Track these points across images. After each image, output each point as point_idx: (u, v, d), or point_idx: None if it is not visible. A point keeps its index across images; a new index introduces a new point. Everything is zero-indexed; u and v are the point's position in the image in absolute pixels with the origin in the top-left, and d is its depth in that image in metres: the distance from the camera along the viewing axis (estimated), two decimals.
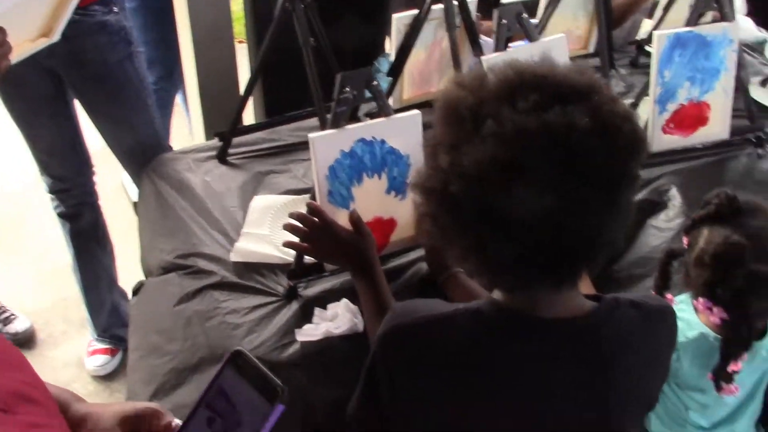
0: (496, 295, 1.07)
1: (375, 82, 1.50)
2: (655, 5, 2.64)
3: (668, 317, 1.15)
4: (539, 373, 1.04)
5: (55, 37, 1.43)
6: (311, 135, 1.45)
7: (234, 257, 1.68)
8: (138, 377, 1.61)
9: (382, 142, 1.50)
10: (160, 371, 1.56)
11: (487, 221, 0.94)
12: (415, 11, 1.95)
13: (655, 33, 1.89)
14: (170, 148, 2.32)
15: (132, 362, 1.67)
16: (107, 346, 2.63)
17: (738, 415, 1.49)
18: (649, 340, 1.11)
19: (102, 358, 2.62)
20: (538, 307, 1.03)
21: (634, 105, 2.22)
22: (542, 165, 0.91)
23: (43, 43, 1.43)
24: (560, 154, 0.91)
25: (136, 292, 1.72)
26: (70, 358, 2.67)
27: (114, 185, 3.25)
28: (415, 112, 1.53)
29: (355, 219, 1.46)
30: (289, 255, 1.61)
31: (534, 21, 2.19)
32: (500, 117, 0.92)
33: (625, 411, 1.11)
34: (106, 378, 2.60)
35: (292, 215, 1.46)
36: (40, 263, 3.06)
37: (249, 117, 2.95)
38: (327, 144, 1.45)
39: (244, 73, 2.69)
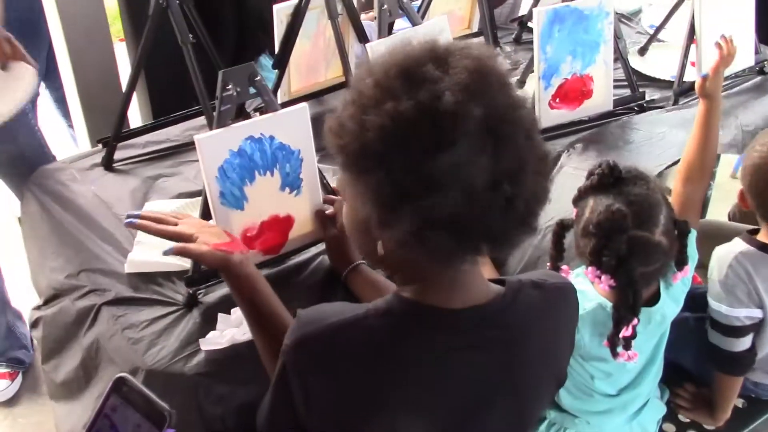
0: (404, 291, 1.05)
1: (258, 77, 1.46)
2: None
3: (569, 294, 1.17)
4: (453, 364, 1.03)
5: None
6: (197, 136, 1.40)
7: (128, 268, 1.62)
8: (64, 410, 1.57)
9: (271, 138, 1.46)
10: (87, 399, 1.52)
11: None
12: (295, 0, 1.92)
13: (535, 9, 1.92)
14: (54, 158, 2.21)
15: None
16: (6, 371, 2.51)
17: (641, 379, 1.54)
18: (552, 319, 1.13)
19: (2, 383, 2.49)
20: (446, 298, 1.03)
21: (521, 82, 2.26)
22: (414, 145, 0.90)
23: None
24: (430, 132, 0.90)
25: (34, 325, 1.64)
26: None
27: None
28: (303, 105, 1.50)
29: (169, 233, 1.32)
30: (186, 261, 1.56)
31: (416, 3, 2.20)
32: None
33: (537, 391, 1.14)
34: (8, 403, 2.47)
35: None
36: None
37: (136, 119, 2.86)
38: (214, 144, 1.41)
39: (127, 74, 2.59)
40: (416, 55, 0.95)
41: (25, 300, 1.74)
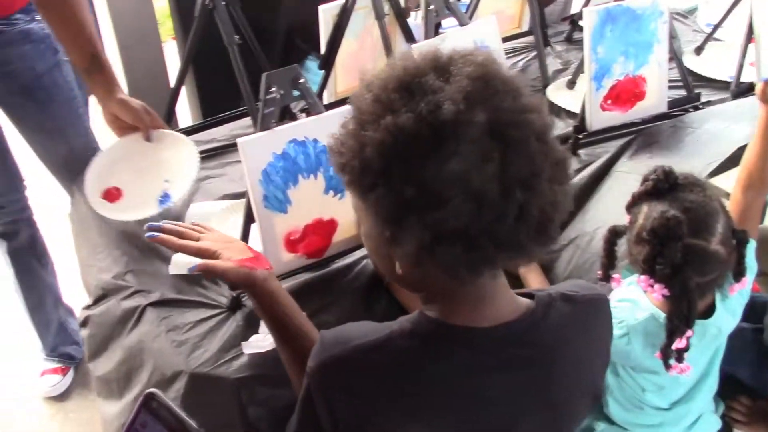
0: (429, 311, 1.02)
1: (302, 80, 1.45)
2: None
3: (602, 306, 1.13)
4: (484, 384, 1.00)
5: None
6: (240, 139, 1.40)
7: (173, 270, 1.63)
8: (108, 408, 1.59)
9: (315, 141, 1.45)
10: (128, 399, 1.52)
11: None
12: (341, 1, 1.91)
13: (585, 9, 1.87)
14: None
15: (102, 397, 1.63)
16: (58, 365, 2.56)
17: (695, 393, 1.49)
18: (585, 333, 1.09)
19: (53, 378, 2.54)
20: (472, 316, 1.00)
21: (572, 82, 2.21)
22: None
23: None
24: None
25: (83, 324, 1.66)
26: (21, 380, 2.59)
27: (47, 197, 3.15)
28: (346, 107, 1.48)
29: (192, 250, 1.27)
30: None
31: (464, 3, 2.18)
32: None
33: (572, 407, 1.10)
34: (60, 398, 2.52)
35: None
36: None
37: (186, 119, 2.89)
38: (257, 147, 1.40)
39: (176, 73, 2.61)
40: (416, 67, 0.93)
41: (77, 297, 1.75)
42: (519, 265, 1.05)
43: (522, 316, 1.02)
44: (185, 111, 2.87)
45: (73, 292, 2.39)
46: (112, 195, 1.74)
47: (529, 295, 1.05)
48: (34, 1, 1.83)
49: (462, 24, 1.81)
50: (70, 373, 2.55)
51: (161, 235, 1.26)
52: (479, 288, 0.99)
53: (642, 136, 1.97)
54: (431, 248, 0.89)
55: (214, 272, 1.24)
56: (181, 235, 1.28)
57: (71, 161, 2.11)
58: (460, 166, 0.86)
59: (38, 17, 2.00)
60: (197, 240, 1.28)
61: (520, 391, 1.02)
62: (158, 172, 1.75)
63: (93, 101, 3.11)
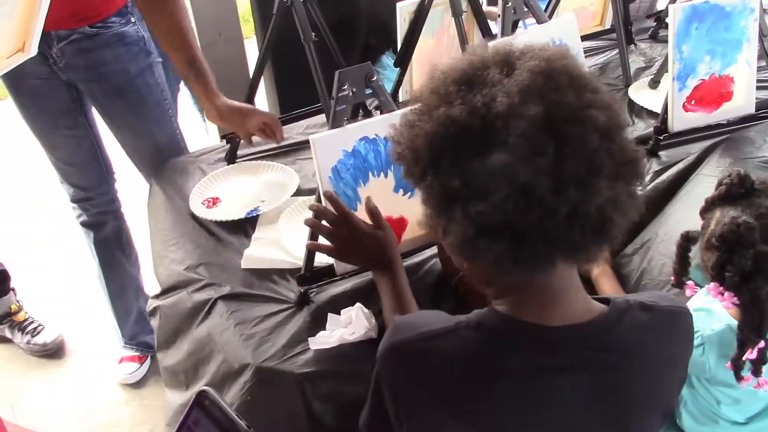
0: (499, 305, 1.01)
1: (374, 78, 1.44)
2: None
3: (683, 319, 1.08)
4: (548, 384, 0.98)
5: (32, 51, 1.41)
6: (312, 136, 1.40)
7: (245, 264, 1.65)
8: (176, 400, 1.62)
9: (386, 139, 1.45)
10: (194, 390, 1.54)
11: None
12: None
13: (671, 6, 1.81)
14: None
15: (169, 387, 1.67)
16: (135, 354, 2.63)
17: None
18: (661, 345, 1.05)
19: (131, 366, 2.62)
20: (541, 314, 0.98)
21: (655, 81, 2.15)
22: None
23: (20, 58, 1.41)
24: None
25: (152, 314, 1.69)
26: (99, 367, 2.67)
27: (137, 191, 3.24)
28: (418, 105, 1.47)
29: (371, 208, 1.40)
30: (300, 259, 1.57)
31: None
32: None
33: (639, 422, 1.06)
34: (136, 386, 2.59)
35: (311, 207, 1.41)
36: (67, 271, 3.08)
37: None
38: (328, 144, 1.41)
39: None
40: (481, 61, 0.93)
41: (156, 288, 1.80)
42: (581, 265, 1.02)
43: (595, 320, 1.00)
44: (263, 107, 2.91)
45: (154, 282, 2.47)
46: (209, 202, 1.87)
47: (605, 301, 1.02)
48: (139, 8, 1.90)
49: (540, 21, 1.77)
50: (147, 362, 2.62)
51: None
52: (549, 286, 0.98)
53: (730, 139, 1.89)
54: (474, 240, 0.89)
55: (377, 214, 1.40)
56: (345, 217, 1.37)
57: (157, 159, 2.17)
58: (507, 159, 0.86)
59: (133, 20, 2.05)
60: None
61: (585, 396, 0.99)
62: (260, 192, 1.89)
63: (182, 97, 3.23)
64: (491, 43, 0.98)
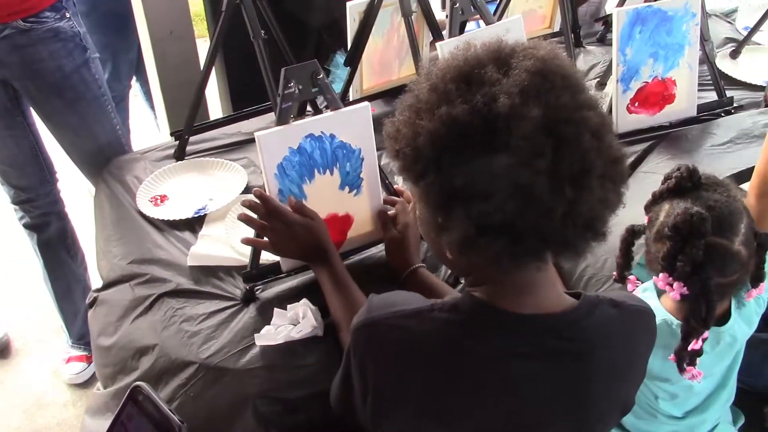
0: (473, 291, 1.04)
1: (320, 76, 1.45)
2: None
3: (648, 319, 1.12)
4: (516, 370, 1.00)
5: None
6: (257, 133, 1.40)
7: (191, 261, 1.64)
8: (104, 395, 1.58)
9: (332, 136, 1.45)
10: (124, 383, 1.51)
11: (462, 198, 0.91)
12: None
13: (615, 9, 1.84)
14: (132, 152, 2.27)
15: (100, 379, 1.63)
16: (83, 353, 2.60)
17: (710, 403, 1.45)
18: (627, 341, 1.08)
19: (78, 366, 2.58)
20: (514, 302, 1.00)
21: (601, 84, 2.18)
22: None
23: None
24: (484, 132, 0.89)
25: (91, 305, 1.67)
26: (46, 367, 2.64)
27: (81, 190, 3.20)
28: (365, 104, 1.49)
29: (294, 203, 1.44)
30: (246, 257, 1.56)
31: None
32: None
33: (600, 414, 1.08)
34: (83, 386, 2.56)
35: (243, 204, 1.43)
36: (13, 271, 3.02)
37: (216, 112, 2.91)
38: (274, 142, 1.41)
39: None
40: (477, 58, 0.94)
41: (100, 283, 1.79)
42: (570, 260, 1.05)
43: (565, 310, 1.02)
44: (215, 104, 2.90)
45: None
46: (156, 199, 1.86)
47: (577, 295, 1.05)
48: None
49: (488, 23, 1.79)
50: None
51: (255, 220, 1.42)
52: (525, 276, 1.00)
53: (668, 137, 1.93)
54: (475, 239, 0.91)
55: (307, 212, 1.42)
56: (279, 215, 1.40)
57: (98, 157, 2.14)
58: (510, 161, 0.87)
59: (68, 15, 2.02)
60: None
61: (550, 384, 1.02)
62: (208, 189, 1.89)
63: (133, 100, 3.19)
64: (482, 39, 0.98)
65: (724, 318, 1.38)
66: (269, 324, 1.48)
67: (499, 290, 1.01)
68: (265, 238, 1.46)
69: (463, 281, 1.32)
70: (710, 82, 2.07)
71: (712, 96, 2.07)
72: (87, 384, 2.56)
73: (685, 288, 1.29)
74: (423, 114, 0.92)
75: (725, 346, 1.39)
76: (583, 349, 1.02)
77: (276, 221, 1.42)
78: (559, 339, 1.01)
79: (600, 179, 0.91)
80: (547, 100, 0.89)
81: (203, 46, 2.80)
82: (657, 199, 1.38)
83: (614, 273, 1.46)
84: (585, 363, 1.03)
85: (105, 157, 2.13)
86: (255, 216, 1.43)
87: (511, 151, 0.87)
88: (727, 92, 2.08)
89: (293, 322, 1.48)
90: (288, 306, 1.50)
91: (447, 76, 0.93)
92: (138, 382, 0.79)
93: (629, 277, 1.44)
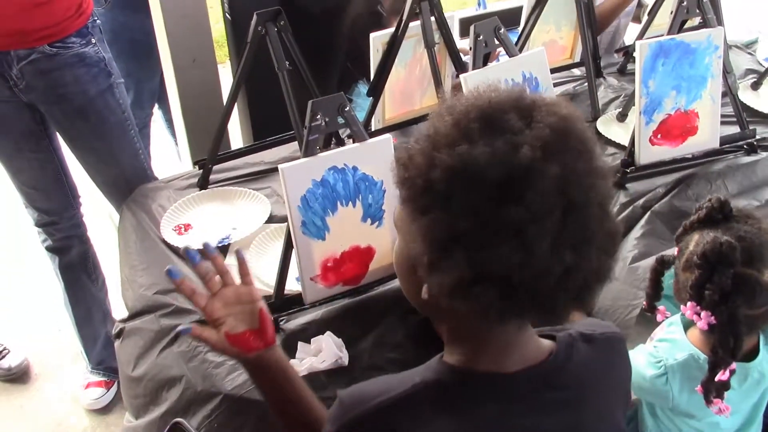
0: (451, 355, 1.00)
1: (347, 108, 1.46)
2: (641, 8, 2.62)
3: (619, 344, 1.11)
4: (517, 430, 0.98)
5: None
6: (281, 165, 1.41)
7: None
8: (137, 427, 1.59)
9: (355, 168, 1.46)
10: (155, 414, 1.53)
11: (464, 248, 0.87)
12: (392, 29, 1.93)
13: (638, 42, 1.85)
14: (155, 178, 2.28)
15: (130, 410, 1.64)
16: (102, 379, 2.60)
17: None
18: (607, 373, 1.07)
19: (97, 391, 2.58)
20: (499, 360, 0.97)
21: (623, 115, 2.18)
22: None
23: None
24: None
25: (118, 335, 1.68)
26: (65, 392, 2.64)
27: (104, 215, 3.22)
28: (387, 136, 1.50)
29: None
30: (271, 287, 1.57)
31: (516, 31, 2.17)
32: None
33: None
34: (102, 411, 2.56)
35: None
36: (33, 295, 3.04)
37: (237, 140, 2.93)
38: (298, 173, 1.42)
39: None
40: (501, 102, 0.91)
41: (124, 312, 1.79)
42: (548, 323, 1.04)
43: (547, 359, 1.00)
44: (236, 133, 2.92)
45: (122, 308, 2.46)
46: (180, 228, 1.87)
47: (548, 335, 1.03)
48: None
49: (511, 55, 1.80)
50: (114, 387, 2.59)
51: (179, 280, 1.18)
52: (508, 334, 0.97)
53: (688, 174, 1.94)
54: (469, 286, 0.88)
55: (205, 343, 1.19)
56: (192, 293, 1.19)
57: (121, 182, 2.16)
58: (522, 214, 0.84)
59: (93, 41, 2.05)
60: (217, 290, 1.20)
61: None
62: (232, 219, 1.88)
63: (155, 126, 3.22)
64: (504, 85, 0.96)
65: (753, 354, 1.38)
66: (292, 354, 1.49)
67: (480, 350, 0.98)
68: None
69: None
70: (732, 114, 2.07)
71: (734, 128, 2.07)
72: (106, 410, 2.55)
73: (712, 317, 1.29)
74: (441, 148, 0.89)
75: (753, 383, 1.38)
76: (571, 394, 1.01)
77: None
78: (552, 390, 0.99)
79: (598, 250, 0.90)
80: (566, 160, 0.87)
81: (222, 72, 2.83)
82: (687, 230, 1.39)
83: (644, 303, 1.47)
84: (577, 407, 1.01)
85: (127, 181, 2.15)
86: None
87: (525, 205, 0.84)
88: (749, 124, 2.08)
89: (316, 354, 1.48)
90: (312, 340, 1.50)
91: (471, 115, 0.90)
92: (178, 419, 0.79)
93: (659, 307, 1.44)
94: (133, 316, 1.66)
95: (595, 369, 1.04)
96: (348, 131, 1.92)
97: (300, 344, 1.50)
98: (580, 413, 1.01)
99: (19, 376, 2.69)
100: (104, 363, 2.58)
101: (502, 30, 1.77)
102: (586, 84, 2.29)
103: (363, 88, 2.52)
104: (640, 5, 2.92)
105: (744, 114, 2.08)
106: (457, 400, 0.97)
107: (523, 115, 0.90)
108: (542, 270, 0.86)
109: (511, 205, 0.85)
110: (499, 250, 0.85)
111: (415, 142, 0.94)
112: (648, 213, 1.82)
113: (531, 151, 0.85)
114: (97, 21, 2.11)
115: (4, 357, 2.70)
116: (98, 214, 2.91)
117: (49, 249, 2.37)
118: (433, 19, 1.92)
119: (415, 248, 0.93)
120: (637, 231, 1.77)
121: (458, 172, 0.87)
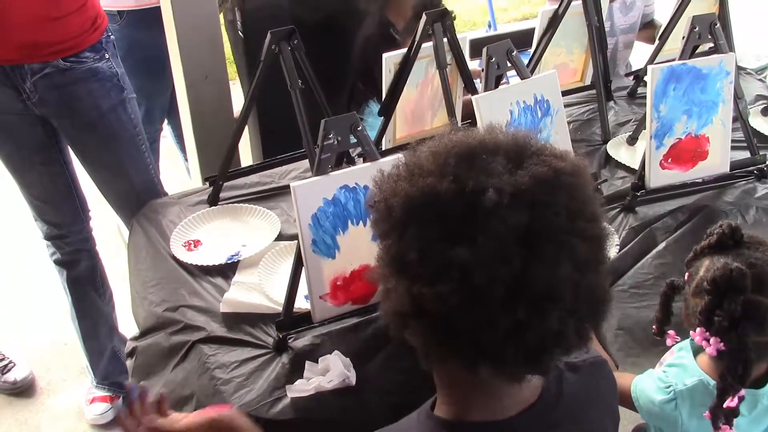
0: (443, 407, 0.99)
1: (360, 128, 1.47)
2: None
3: (603, 369, 1.12)
4: None
5: None
6: (293, 183, 1.42)
7: (224, 308, 1.64)
8: None
9: (366, 187, 1.46)
10: None
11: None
12: (404, 50, 1.94)
13: (650, 67, 1.85)
14: (165, 194, 2.29)
15: None
16: (107, 394, 2.60)
17: None
18: (596, 400, 1.08)
19: (102, 406, 2.58)
20: (493, 408, 0.96)
21: (633, 138, 2.19)
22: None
23: None
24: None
25: (130, 354, 1.68)
26: (69, 406, 2.64)
27: (112, 229, 3.23)
28: (398, 156, 1.49)
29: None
30: (279, 305, 1.57)
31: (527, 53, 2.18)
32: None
33: None
34: (106, 426, 2.56)
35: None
36: (39, 309, 3.04)
37: (248, 158, 2.94)
38: (308, 192, 1.42)
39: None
40: (496, 144, 0.90)
41: (131, 327, 1.79)
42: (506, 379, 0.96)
43: (540, 398, 0.98)
44: (246, 150, 2.93)
45: (132, 322, 2.46)
46: (190, 244, 1.86)
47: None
48: None
49: (523, 77, 1.80)
50: (119, 402, 2.58)
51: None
52: (493, 378, 0.92)
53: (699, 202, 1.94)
54: (407, 318, 0.88)
55: None
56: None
57: (131, 197, 2.18)
58: (468, 256, 0.82)
59: (107, 56, 2.07)
60: None
61: None
62: (241, 236, 1.88)
63: (164, 143, 3.23)
64: (515, 129, 0.95)
65: (762, 381, 1.37)
66: (300, 373, 1.49)
67: (470, 398, 0.96)
68: None
69: None
70: (743, 139, 2.08)
71: (744, 153, 2.07)
72: (110, 425, 2.55)
73: (722, 344, 1.28)
74: (410, 177, 0.89)
75: (762, 410, 1.38)
76: (570, 428, 1.01)
77: None
78: (547, 428, 0.99)
79: (566, 313, 0.85)
80: (539, 213, 0.83)
81: (232, 88, 2.85)
82: (698, 255, 1.39)
83: (654, 327, 1.46)
84: None
85: (137, 195, 2.16)
86: None
87: (475, 249, 0.82)
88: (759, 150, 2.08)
89: (323, 374, 1.48)
90: (319, 359, 1.50)
91: (453, 150, 0.89)
92: None
93: (668, 332, 1.44)
94: (144, 333, 1.67)
95: (584, 398, 1.04)
96: (358, 150, 1.95)
97: (307, 363, 1.50)
98: None
99: (24, 390, 2.69)
100: (109, 378, 2.57)
101: (515, 52, 1.78)
102: (596, 106, 2.30)
103: (375, 107, 2.52)
104: (653, 25, 2.94)
105: (754, 139, 2.08)
106: None
107: (511, 159, 0.88)
108: (488, 319, 0.83)
109: (461, 246, 0.82)
110: (440, 290, 0.83)
111: (394, 167, 0.94)
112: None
113: (497, 196, 0.83)
114: (111, 36, 2.13)
115: (9, 370, 2.70)
116: (106, 228, 2.92)
117: (57, 262, 2.38)
118: (445, 40, 1.93)
119: (377, 276, 0.94)
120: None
121: (416, 203, 0.86)
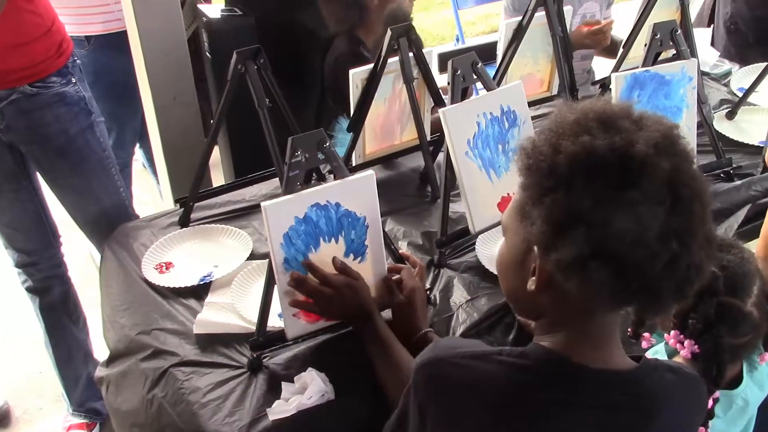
0: (542, 341, 1.08)
1: (327, 144, 1.47)
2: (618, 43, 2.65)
3: (699, 387, 1.15)
4: (579, 422, 1.04)
5: None
6: (263, 203, 1.41)
7: (197, 329, 1.63)
8: None
9: (337, 205, 1.46)
10: None
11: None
12: (371, 65, 1.94)
13: (613, 75, 1.87)
14: (136, 217, 2.28)
15: None
16: (83, 421, 2.58)
17: None
18: (682, 407, 1.12)
19: None
20: (587, 355, 1.05)
21: None
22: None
23: None
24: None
25: (99, 383, 1.67)
26: None
27: (84, 254, 3.21)
28: (369, 172, 1.50)
29: (339, 265, 1.49)
30: (253, 324, 1.56)
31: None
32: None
33: None
34: None
35: (290, 284, 1.46)
36: (13, 337, 3.00)
37: (219, 178, 2.93)
38: (279, 211, 1.41)
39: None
40: (613, 110, 1.01)
41: (106, 353, 1.78)
42: (652, 317, 1.19)
43: (629, 370, 1.07)
44: (218, 170, 2.93)
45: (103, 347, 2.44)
46: (162, 267, 1.85)
47: (635, 359, 1.10)
48: None
49: (489, 89, 1.82)
50: (96, 429, 2.57)
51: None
52: (601, 329, 1.06)
53: None
54: (587, 261, 0.95)
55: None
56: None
57: (102, 221, 2.16)
58: (637, 199, 0.94)
59: (74, 80, 2.06)
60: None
61: None
62: (213, 256, 1.88)
63: (136, 166, 3.22)
64: (613, 100, 1.07)
65: (736, 381, 1.38)
66: (276, 393, 1.47)
67: (571, 341, 1.06)
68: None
69: None
70: (708, 143, 2.10)
71: (711, 157, 2.10)
72: None
73: (696, 347, 1.30)
74: (565, 138, 0.99)
75: (737, 410, 1.39)
76: (647, 407, 1.06)
77: (326, 288, 1.46)
78: (624, 395, 1.05)
79: (698, 247, 0.98)
80: (675, 161, 0.97)
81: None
82: None
83: (629, 330, 1.47)
84: (647, 421, 1.06)
85: (109, 219, 2.14)
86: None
87: (640, 191, 0.94)
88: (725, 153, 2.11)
89: (302, 392, 1.47)
90: (294, 378, 1.49)
91: (589, 115, 1.00)
92: None
93: (643, 334, 1.44)
94: (113, 359, 1.65)
95: (672, 394, 1.09)
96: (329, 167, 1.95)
97: (284, 384, 1.48)
98: (645, 424, 1.06)
99: (0, 420, 2.64)
100: (85, 405, 2.55)
101: (480, 64, 1.79)
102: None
103: (344, 123, 2.53)
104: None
105: (720, 143, 2.11)
106: (534, 371, 1.05)
107: (634, 121, 1.00)
108: (651, 253, 0.94)
109: (629, 190, 0.94)
110: (615, 228, 0.93)
111: (539, 134, 1.04)
112: None
113: (645, 147, 0.95)
114: (77, 60, 2.13)
115: None
116: (78, 254, 2.89)
117: (29, 290, 2.35)
118: (411, 54, 1.94)
119: (533, 232, 1.01)
120: None
121: (581, 159, 0.96)
